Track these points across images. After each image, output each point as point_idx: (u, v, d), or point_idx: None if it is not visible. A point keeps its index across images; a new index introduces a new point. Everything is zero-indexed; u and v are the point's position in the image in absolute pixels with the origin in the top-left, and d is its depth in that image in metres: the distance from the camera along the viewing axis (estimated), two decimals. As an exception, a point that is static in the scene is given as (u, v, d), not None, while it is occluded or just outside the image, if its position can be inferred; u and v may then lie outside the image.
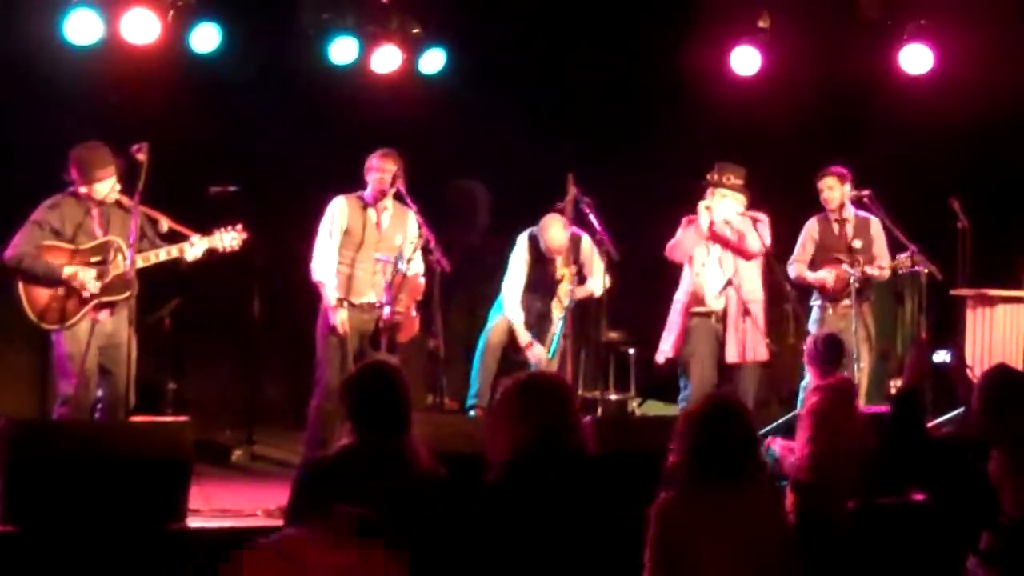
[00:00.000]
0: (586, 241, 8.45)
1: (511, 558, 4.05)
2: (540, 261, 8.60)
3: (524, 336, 8.54)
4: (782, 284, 8.28)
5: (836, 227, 8.61)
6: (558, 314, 8.42)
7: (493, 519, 4.09)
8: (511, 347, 8.61)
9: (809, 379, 6.98)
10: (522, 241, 8.65)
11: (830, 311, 8.48)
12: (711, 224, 8.19)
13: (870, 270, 8.45)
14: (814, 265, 8.60)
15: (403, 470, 4.16)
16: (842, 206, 8.58)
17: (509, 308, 8.58)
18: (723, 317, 8.17)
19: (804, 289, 8.61)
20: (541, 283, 8.59)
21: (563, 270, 8.43)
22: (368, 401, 4.28)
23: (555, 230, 8.44)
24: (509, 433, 4.22)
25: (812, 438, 6.45)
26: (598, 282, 8.44)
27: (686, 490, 4.16)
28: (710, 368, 8.18)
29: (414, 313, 7.71)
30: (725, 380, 8.11)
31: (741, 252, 8.22)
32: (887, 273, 8.57)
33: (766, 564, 4.10)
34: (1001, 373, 5.31)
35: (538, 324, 8.57)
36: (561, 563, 4.07)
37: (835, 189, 8.56)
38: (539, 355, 8.46)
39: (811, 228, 8.68)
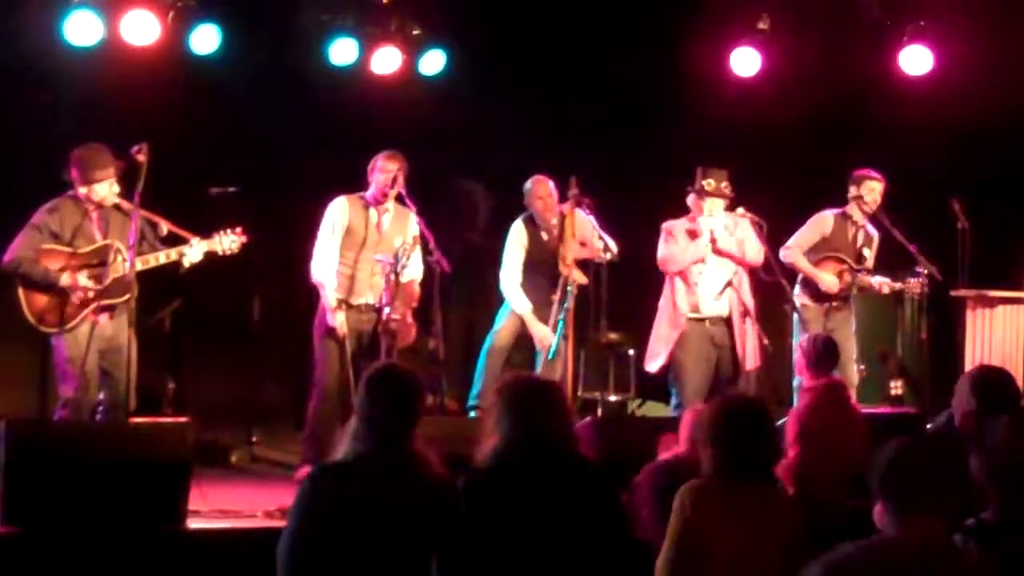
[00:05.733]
0: (580, 215, 8.22)
1: (487, 559, 4.06)
2: (539, 242, 8.44)
3: (536, 327, 8.29)
4: (781, 284, 8.23)
5: (852, 230, 8.53)
6: (569, 288, 8.02)
7: (467, 522, 4.08)
8: (516, 348, 8.55)
9: (801, 380, 6.94)
10: (516, 228, 8.49)
11: (815, 310, 8.37)
12: (714, 241, 8.07)
13: (875, 282, 8.42)
14: (810, 257, 8.47)
15: (412, 476, 4.12)
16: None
17: (514, 301, 8.40)
18: (724, 322, 8.10)
19: (790, 281, 8.45)
20: (544, 262, 8.38)
21: (569, 253, 8.24)
22: (382, 407, 4.17)
23: (543, 183, 8.39)
24: (491, 435, 4.23)
25: (799, 440, 6.41)
26: (611, 244, 8.14)
27: (713, 481, 4.25)
28: (703, 374, 8.07)
29: (410, 320, 7.65)
30: (721, 385, 8.05)
31: (743, 263, 8.14)
32: (886, 290, 8.54)
33: (775, 561, 4.15)
34: (980, 373, 5.33)
35: (546, 303, 8.27)
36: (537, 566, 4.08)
37: (877, 191, 8.47)
38: (547, 340, 8.13)
39: (824, 221, 8.51)
